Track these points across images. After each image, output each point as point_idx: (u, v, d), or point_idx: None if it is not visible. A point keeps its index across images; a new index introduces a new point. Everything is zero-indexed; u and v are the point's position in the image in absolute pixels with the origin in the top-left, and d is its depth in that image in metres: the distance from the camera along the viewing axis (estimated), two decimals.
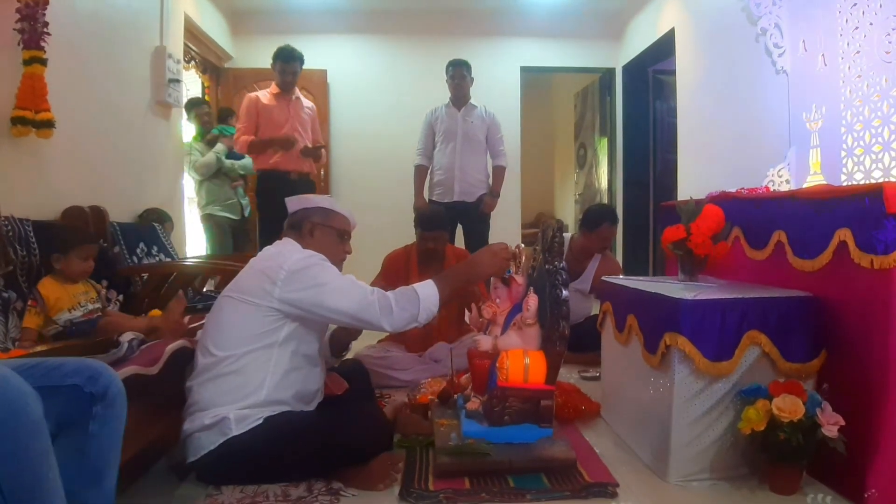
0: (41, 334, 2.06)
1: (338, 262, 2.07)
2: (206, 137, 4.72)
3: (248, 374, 1.82)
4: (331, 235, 2.07)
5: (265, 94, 4.15)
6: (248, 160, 4.62)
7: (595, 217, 3.64)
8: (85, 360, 1.27)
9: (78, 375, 1.18)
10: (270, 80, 4.42)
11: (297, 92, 4.26)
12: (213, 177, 4.67)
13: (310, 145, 4.15)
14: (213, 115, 4.91)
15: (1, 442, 0.96)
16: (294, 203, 2.13)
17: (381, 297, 1.87)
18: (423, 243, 3.26)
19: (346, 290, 1.87)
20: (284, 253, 1.93)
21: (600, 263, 3.69)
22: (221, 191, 4.69)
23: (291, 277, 1.84)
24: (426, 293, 1.90)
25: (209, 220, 4.71)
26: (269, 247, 2.06)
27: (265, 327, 1.84)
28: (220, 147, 4.65)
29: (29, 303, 2.09)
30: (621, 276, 2.98)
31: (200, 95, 5.30)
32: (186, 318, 2.30)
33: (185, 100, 4.45)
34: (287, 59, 4.06)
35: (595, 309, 3.74)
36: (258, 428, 1.77)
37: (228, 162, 4.67)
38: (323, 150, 4.29)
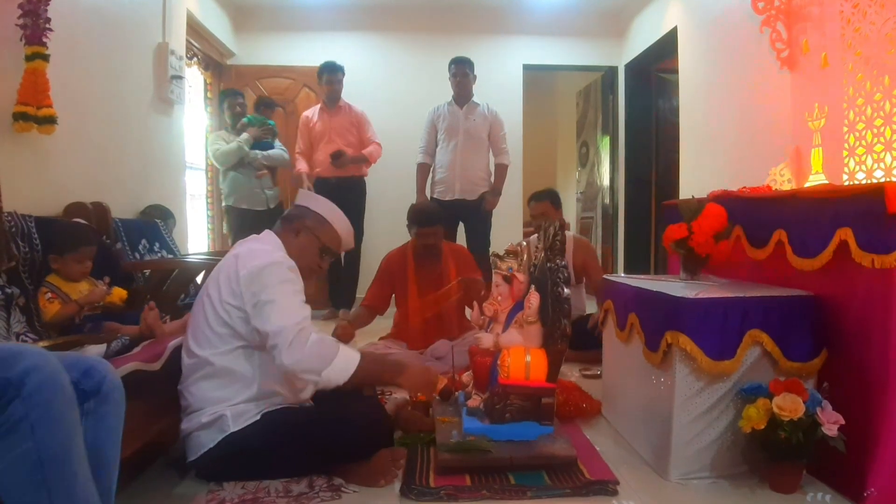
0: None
1: (307, 273, 1.96)
2: (237, 126, 4.60)
3: (237, 371, 1.81)
4: (313, 245, 1.99)
5: (314, 111, 4.73)
6: (275, 151, 4.65)
7: None
8: (83, 356, 1.26)
9: (74, 370, 1.15)
10: (273, 77, 4.43)
11: (343, 101, 4.70)
12: (238, 167, 4.51)
13: (347, 152, 4.59)
14: (247, 106, 4.81)
15: (40, 407, 1.01)
16: (304, 198, 2.09)
17: (304, 330, 1.75)
18: (418, 240, 3.22)
19: (286, 307, 1.76)
20: (254, 254, 1.85)
21: (574, 249, 3.66)
22: (245, 181, 4.53)
23: (247, 280, 1.78)
24: (344, 357, 1.79)
25: (229, 213, 4.64)
26: (243, 242, 1.99)
27: (243, 327, 1.80)
28: (244, 136, 4.47)
29: (49, 295, 2.13)
30: (622, 274, 2.98)
31: (203, 92, 5.30)
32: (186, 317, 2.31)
33: (187, 97, 4.44)
34: (332, 71, 4.65)
35: (591, 306, 3.75)
36: (256, 424, 1.78)
37: (252, 152, 4.49)
38: (345, 154, 4.59)
